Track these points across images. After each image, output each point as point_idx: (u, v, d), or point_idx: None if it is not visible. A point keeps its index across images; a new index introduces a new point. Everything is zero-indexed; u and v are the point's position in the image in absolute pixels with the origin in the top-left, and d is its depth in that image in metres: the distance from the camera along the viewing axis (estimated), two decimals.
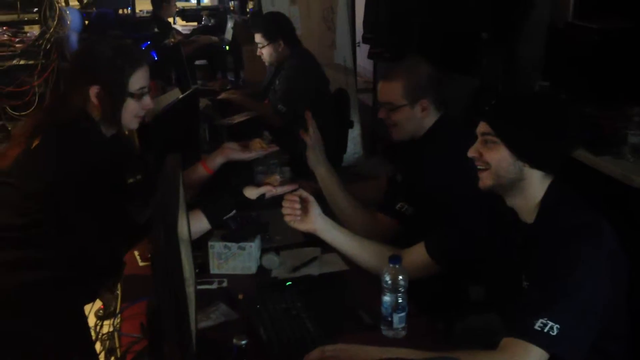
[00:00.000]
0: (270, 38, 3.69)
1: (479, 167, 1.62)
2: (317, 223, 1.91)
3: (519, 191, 1.59)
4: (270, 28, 3.74)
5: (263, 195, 1.99)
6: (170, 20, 6.34)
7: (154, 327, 1.55)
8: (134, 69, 1.90)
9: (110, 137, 1.97)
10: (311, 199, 1.92)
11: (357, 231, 2.07)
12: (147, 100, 1.95)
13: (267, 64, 3.84)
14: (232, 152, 2.25)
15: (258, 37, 3.72)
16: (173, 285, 1.24)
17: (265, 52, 3.73)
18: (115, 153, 1.97)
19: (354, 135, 4.92)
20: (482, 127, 1.61)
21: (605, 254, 1.47)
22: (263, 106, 3.77)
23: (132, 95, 1.90)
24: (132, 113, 1.93)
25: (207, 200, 2.00)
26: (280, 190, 1.99)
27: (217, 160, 2.25)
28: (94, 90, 1.87)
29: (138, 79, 1.91)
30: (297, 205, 1.91)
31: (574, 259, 1.45)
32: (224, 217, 1.96)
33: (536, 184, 1.58)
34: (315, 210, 1.91)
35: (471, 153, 1.63)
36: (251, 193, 1.98)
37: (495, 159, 1.58)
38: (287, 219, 1.93)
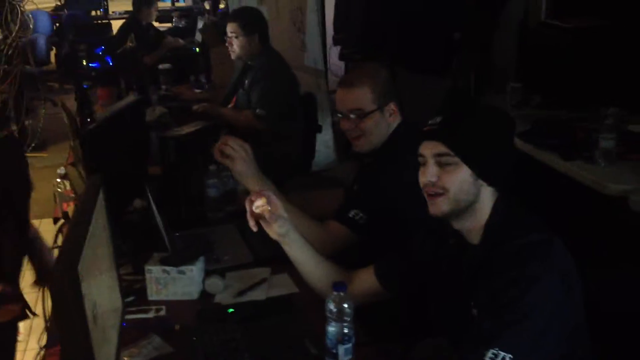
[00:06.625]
0: (246, 30, 3.58)
1: (434, 192, 1.47)
2: (282, 226, 1.72)
3: (470, 213, 1.48)
4: (249, 20, 3.64)
5: None
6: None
7: None
8: None
9: None
10: (277, 203, 1.72)
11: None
12: None
13: (234, 56, 3.69)
14: None
15: (233, 27, 3.59)
16: (72, 324, 1.11)
17: (237, 44, 3.60)
18: None
19: (326, 138, 4.80)
20: (435, 147, 1.46)
21: (556, 275, 1.36)
22: (242, 114, 3.65)
23: None
24: None
25: None
26: None
27: None
28: None
29: None
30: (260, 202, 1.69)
31: (523, 282, 1.34)
32: None
33: (486, 203, 1.48)
34: (280, 211, 1.72)
35: (428, 178, 1.46)
36: None
37: (456, 182, 1.44)
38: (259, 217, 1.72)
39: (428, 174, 1.46)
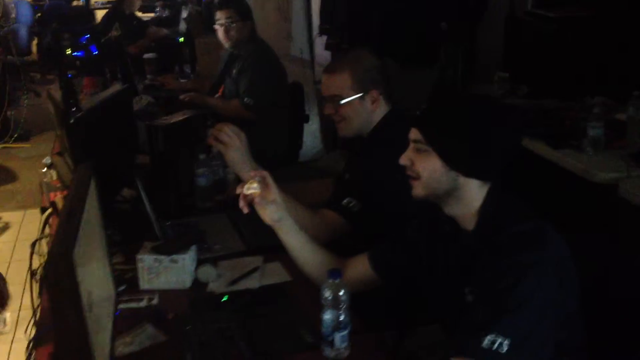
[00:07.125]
0: (242, 15, 3.56)
1: (410, 175, 1.50)
2: (276, 212, 1.72)
3: (455, 200, 1.48)
4: (243, 7, 3.62)
5: None
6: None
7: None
8: None
9: None
10: (272, 186, 1.72)
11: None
12: None
13: (229, 44, 3.64)
14: None
15: (229, 12, 3.55)
16: (68, 311, 1.09)
17: (234, 29, 3.55)
18: None
19: (314, 129, 4.79)
20: (414, 133, 1.49)
21: (551, 262, 1.37)
22: (230, 104, 3.62)
23: None
24: None
25: None
26: None
27: None
28: None
29: None
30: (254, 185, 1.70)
31: (518, 269, 1.34)
32: None
33: (474, 192, 1.47)
34: (274, 195, 1.72)
35: (403, 161, 1.51)
36: None
37: (427, 169, 1.47)
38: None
39: (403, 157, 1.51)
